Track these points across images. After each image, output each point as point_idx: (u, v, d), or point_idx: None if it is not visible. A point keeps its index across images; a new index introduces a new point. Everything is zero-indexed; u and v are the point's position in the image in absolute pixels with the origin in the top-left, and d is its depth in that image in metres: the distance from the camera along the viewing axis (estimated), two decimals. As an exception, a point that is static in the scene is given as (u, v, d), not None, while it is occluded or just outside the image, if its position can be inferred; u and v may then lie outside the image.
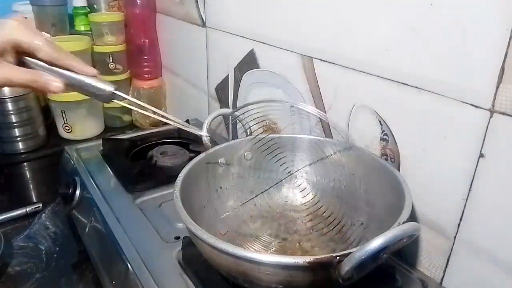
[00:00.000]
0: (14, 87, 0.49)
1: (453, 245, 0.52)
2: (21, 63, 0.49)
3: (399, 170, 0.56)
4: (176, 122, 0.57)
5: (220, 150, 0.61)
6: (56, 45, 0.51)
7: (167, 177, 0.73)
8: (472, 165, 0.47)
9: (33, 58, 0.49)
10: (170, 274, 0.53)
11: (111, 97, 0.52)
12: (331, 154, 0.62)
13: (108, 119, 1.18)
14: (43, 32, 0.51)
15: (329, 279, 0.39)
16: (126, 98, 0.54)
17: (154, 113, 0.58)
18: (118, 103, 0.54)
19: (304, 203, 0.64)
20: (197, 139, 0.86)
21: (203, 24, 0.91)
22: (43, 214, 0.79)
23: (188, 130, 0.57)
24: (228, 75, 0.88)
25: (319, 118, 0.67)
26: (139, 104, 0.58)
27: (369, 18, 0.55)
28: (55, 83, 0.50)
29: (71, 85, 0.51)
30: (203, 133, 0.58)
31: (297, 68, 0.68)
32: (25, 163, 1.01)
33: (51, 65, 0.50)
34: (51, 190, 0.86)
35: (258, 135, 0.65)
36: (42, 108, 1.09)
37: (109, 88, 0.52)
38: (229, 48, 0.85)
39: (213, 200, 0.60)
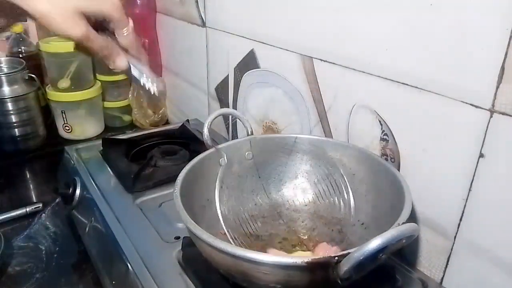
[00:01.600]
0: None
1: (453, 245, 0.52)
2: (95, 29, 0.52)
3: (399, 170, 0.56)
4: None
5: (220, 150, 0.61)
6: (135, 36, 0.55)
7: (167, 177, 0.73)
8: (472, 165, 0.47)
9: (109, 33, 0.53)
10: (170, 274, 0.53)
11: (153, 97, 0.59)
12: (331, 154, 0.62)
13: (108, 119, 1.19)
14: (130, 19, 0.55)
15: (328, 279, 0.39)
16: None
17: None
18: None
19: (305, 203, 0.64)
20: (197, 139, 0.86)
21: (203, 24, 0.91)
22: (43, 214, 0.79)
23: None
24: (228, 75, 0.88)
25: (319, 118, 0.67)
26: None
27: (369, 18, 0.55)
28: (122, 58, 0.54)
29: (128, 72, 0.55)
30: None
31: (297, 68, 0.68)
32: (25, 163, 1.01)
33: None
34: (51, 190, 0.86)
35: (258, 135, 0.65)
36: (42, 108, 1.09)
37: (154, 90, 0.57)
38: (229, 48, 0.85)
39: (213, 200, 0.60)
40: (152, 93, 0.57)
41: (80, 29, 0.49)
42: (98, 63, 1.11)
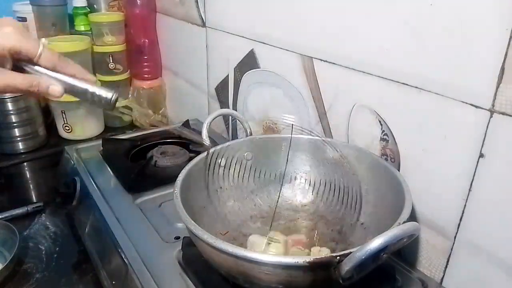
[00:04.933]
0: (13, 93, 0.49)
1: (453, 245, 0.52)
2: (18, 69, 0.49)
3: (399, 170, 0.56)
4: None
5: (220, 150, 0.61)
6: (54, 51, 0.51)
7: (167, 177, 0.73)
8: (472, 165, 0.47)
9: (31, 64, 0.49)
10: (170, 274, 0.53)
11: (114, 104, 0.52)
12: (331, 154, 0.62)
13: (108, 119, 1.18)
14: (42, 38, 0.51)
15: (329, 279, 0.39)
16: (126, 104, 0.53)
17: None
18: (118, 109, 0.53)
19: (304, 203, 0.64)
20: (197, 139, 0.86)
21: (203, 24, 0.91)
22: (43, 214, 0.79)
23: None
24: (228, 75, 0.88)
25: (319, 118, 0.67)
26: (140, 108, 0.58)
27: (369, 18, 0.55)
28: (55, 87, 0.50)
29: (71, 91, 0.51)
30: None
31: (297, 68, 0.68)
32: (25, 163, 1.01)
33: (51, 72, 0.50)
34: (51, 190, 0.86)
35: (258, 135, 0.65)
36: (42, 108, 1.09)
37: (107, 94, 0.51)
38: (229, 48, 0.85)
39: (213, 200, 0.60)
40: (106, 101, 0.51)
41: None
42: (98, 63, 1.11)
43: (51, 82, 0.50)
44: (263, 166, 0.65)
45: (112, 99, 0.51)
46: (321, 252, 0.54)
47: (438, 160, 0.51)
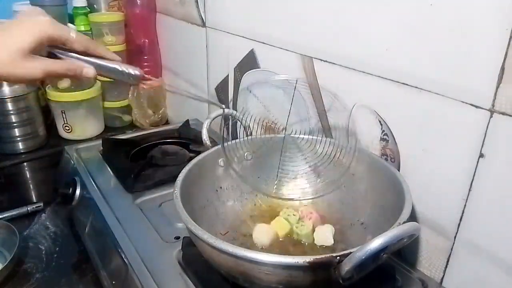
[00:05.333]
0: (51, 77, 0.54)
1: (453, 245, 0.52)
2: (51, 55, 0.53)
3: (399, 170, 0.56)
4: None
5: (220, 150, 0.61)
6: (85, 36, 0.55)
7: (167, 177, 0.73)
8: (472, 165, 0.47)
9: (64, 49, 0.54)
10: (170, 274, 0.53)
11: (139, 80, 0.58)
12: (331, 154, 0.62)
13: (108, 119, 1.18)
14: (69, 24, 0.56)
15: (329, 279, 0.39)
16: (151, 79, 0.59)
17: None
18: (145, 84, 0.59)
19: (304, 203, 0.64)
20: (197, 139, 0.86)
21: (203, 24, 0.91)
22: (43, 214, 0.79)
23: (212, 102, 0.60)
24: (228, 75, 0.88)
25: (319, 118, 0.67)
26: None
27: (369, 18, 0.55)
28: (88, 69, 0.55)
29: (102, 71, 0.56)
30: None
31: (297, 68, 0.68)
32: (25, 163, 1.01)
33: (82, 55, 0.55)
34: (51, 190, 0.86)
35: (258, 135, 0.65)
36: (42, 108, 1.09)
37: (137, 71, 0.57)
38: (229, 48, 0.85)
39: (213, 200, 0.60)
40: (134, 76, 0.57)
41: (37, 69, 0.50)
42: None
43: (84, 65, 0.54)
44: (263, 166, 0.65)
45: (140, 75, 0.57)
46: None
47: (438, 160, 0.51)
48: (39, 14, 0.52)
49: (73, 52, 0.54)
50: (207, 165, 0.60)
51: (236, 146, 0.63)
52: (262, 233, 0.56)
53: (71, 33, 0.53)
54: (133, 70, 0.57)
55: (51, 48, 0.53)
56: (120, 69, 0.57)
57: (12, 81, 0.50)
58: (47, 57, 0.53)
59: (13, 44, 0.48)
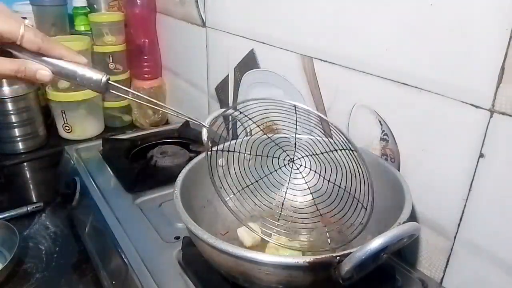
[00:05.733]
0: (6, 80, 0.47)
1: (453, 245, 0.52)
2: (5, 52, 0.46)
3: (399, 170, 0.56)
4: (176, 112, 0.53)
5: (220, 150, 0.61)
6: (41, 33, 0.48)
7: (167, 177, 0.73)
8: (472, 165, 0.47)
9: (15, 47, 0.46)
10: (170, 274, 0.53)
11: (104, 86, 0.48)
12: (331, 154, 0.62)
13: (108, 119, 1.18)
14: (26, 19, 0.47)
15: (329, 279, 0.39)
16: (119, 87, 0.50)
17: (150, 102, 0.54)
18: (112, 92, 0.50)
19: (304, 203, 0.64)
20: (197, 139, 0.86)
21: (203, 24, 0.91)
22: (43, 214, 0.79)
23: (191, 120, 0.53)
24: (228, 75, 0.88)
25: (319, 118, 0.67)
26: (135, 94, 0.54)
27: (369, 18, 0.55)
28: (43, 72, 0.47)
29: (60, 74, 0.48)
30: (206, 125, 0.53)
31: (297, 68, 0.68)
32: (25, 163, 1.01)
33: (38, 54, 0.47)
34: (51, 190, 0.86)
35: (258, 135, 0.65)
36: (42, 108, 1.09)
37: (100, 76, 0.48)
38: (229, 48, 0.85)
39: (213, 200, 0.60)
40: (96, 83, 0.48)
41: None
42: (98, 63, 1.11)
43: (38, 66, 0.47)
44: (263, 166, 0.64)
45: (102, 81, 0.48)
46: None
47: (438, 160, 0.51)
48: None
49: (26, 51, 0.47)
50: (207, 165, 0.60)
51: (236, 146, 0.63)
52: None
53: (18, 29, 0.45)
54: (96, 76, 0.48)
55: (4, 46, 0.46)
56: (79, 73, 0.47)
57: None
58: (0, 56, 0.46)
59: None
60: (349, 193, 0.59)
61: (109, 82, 0.48)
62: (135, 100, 0.57)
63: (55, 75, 0.48)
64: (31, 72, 0.47)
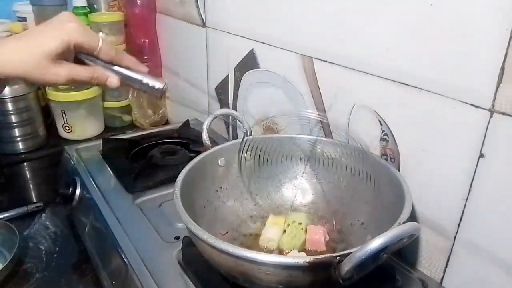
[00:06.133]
0: (75, 84, 0.54)
1: (453, 245, 0.52)
2: (78, 60, 0.53)
3: (399, 170, 0.56)
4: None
5: (220, 150, 0.61)
6: (112, 44, 0.55)
7: (167, 177, 0.73)
8: (472, 165, 0.47)
9: (90, 57, 0.54)
10: (170, 274, 0.53)
11: (162, 93, 0.57)
12: (331, 154, 0.62)
13: (108, 119, 1.18)
14: (100, 33, 0.55)
15: (329, 279, 0.39)
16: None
17: None
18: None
19: (304, 203, 0.64)
20: (197, 139, 0.86)
21: (203, 24, 0.91)
22: (43, 214, 0.79)
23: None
24: (228, 75, 0.88)
25: (319, 118, 0.67)
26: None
27: (369, 18, 0.55)
28: (112, 79, 0.55)
29: (125, 82, 0.56)
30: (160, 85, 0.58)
31: (297, 68, 0.68)
32: (25, 163, 1.01)
33: (108, 63, 0.55)
34: (51, 190, 0.86)
35: (258, 135, 0.65)
36: (42, 108, 1.09)
37: (158, 85, 0.56)
38: (229, 48, 0.85)
39: (213, 200, 0.60)
40: (157, 89, 0.56)
41: (61, 74, 0.50)
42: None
43: (108, 74, 0.54)
44: (262, 167, 0.65)
45: (163, 88, 0.56)
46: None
47: (438, 160, 0.51)
48: (70, 19, 0.52)
49: (100, 60, 0.54)
50: (207, 165, 0.60)
51: (235, 147, 0.63)
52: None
53: (99, 41, 0.53)
54: (157, 84, 0.56)
55: (78, 55, 0.53)
56: (144, 82, 0.56)
57: (36, 83, 0.51)
58: (74, 62, 0.53)
59: (40, 48, 0.49)
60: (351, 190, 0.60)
61: (166, 88, 0.57)
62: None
63: (123, 81, 0.56)
64: (102, 79, 0.54)
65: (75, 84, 0.54)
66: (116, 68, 0.55)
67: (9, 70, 0.48)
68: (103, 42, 0.53)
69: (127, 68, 0.56)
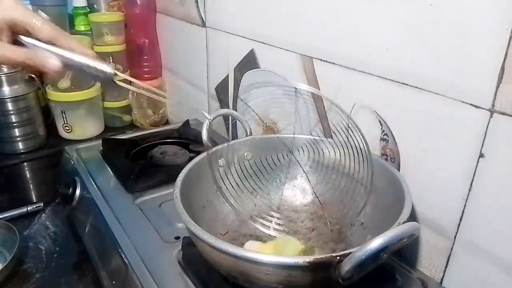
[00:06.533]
0: (9, 66, 0.49)
1: (453, 245, 0.52)
2: (16, 42, 0.48)
3: (399, 170, 0.56)
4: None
5: (220, 150, 0.61)
6: (54, 25, 0.50)
7: (167, 177, 0.73)
8: (472, 165, 0.47)
9: (29, 37, 0.49)
10: (170, 274, 0.53)
11: (111, 77, 0.52)
12: (331, 154, 0.62)
13: (108, 119, 1.18)
14: (40, 11, 0.50)
15: (329, 279, 0.39)
16: (125, 77, 0.54)
17: (151, 91, 0.58)
18: (118, 83, 0.54)
19: (304, 203, 0.64)
20: (197, 139, 0.86)
21: (203, 24, 0.91)
22: (43, 214, 0.79)
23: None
24: (228, 75, 0.88)
25: (319, 118, 0.67)
26: (138, 85, 0.58)
27: (369, 18, 0.55)
28: (52, 61, 0.49)
29: (69, 65, 0.51)
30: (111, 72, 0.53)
31: (297, 68, 0.68)
32: (25, 163, 1.01)
33: (48, 45, 0.49)
34: (51, 190, 0.86)
35: (258, 135, 0.65)
36: (42, 108, 1.09)
37: (108, 69, 0.52)
38: (229, 48, 0.85)
39: (213, 200, 0.60)
40: (105, 74, 0.52)
41: None
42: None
43: (48, 55, 0.49)
44: (263, 166, 0.64)
45: (113, 72, 0.52)
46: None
47: (438, 160, 0.51)
48: None
49: (40, 41, 0.49)
50: (207, 166, 0.60)
51: (235, 147, 0.63)
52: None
53: (37, 20, 0.48)
54: (106, 68, 0.51)
55: (15, 35, 0.48)
56: (91, 65, 0.51)
57: None
58: (11, 43, 0.48)
59: None
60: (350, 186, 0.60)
61: (116, 73, 0.52)
62: (138, 90, 0.60)
63: (65, 65, 0.50)
64: (39, 60, 0.48)
65: (8, 65, 0.50)
66: (58, 50, 0.50)
67: None
68: (43, 21, 0.49)
69: (71, 51, 0.51)
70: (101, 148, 0.87)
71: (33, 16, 0.48)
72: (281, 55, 0.71)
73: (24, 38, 0.49)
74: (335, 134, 0.64)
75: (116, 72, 0.52)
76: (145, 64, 1.14)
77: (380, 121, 0.57)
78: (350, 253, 0.38)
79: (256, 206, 0.64)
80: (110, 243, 0.61)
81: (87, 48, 0.52)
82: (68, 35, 0.51)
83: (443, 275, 0.54)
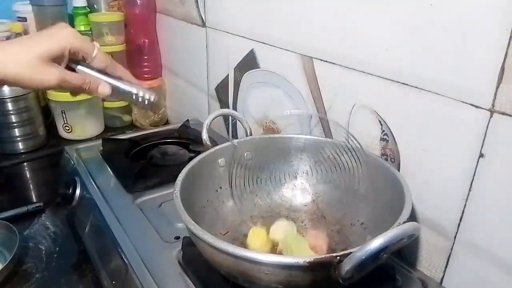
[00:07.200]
0: (65, 89, 0.55)
1: (453, 245, 0.52)
2: (70, 69, 0.54)
3: (399, 170, 0.56)
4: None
5: (220, 150, 0.61)
6: (106, 54, 0.56)
7: (167, 177, 0.73)
8: (472, 165, 0.47)
9: (84, 63, 0.55)
10: (170, 274, 0.53)
11: (153, 106, 0.59)
12: (331, 154, 0.62)
13: (108, 119, 1.18)
14: (94, 42, 0.57)
15: (329, 279, 0.39)
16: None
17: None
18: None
19: (304, 203, 0.64)
20: (197, 139, 0.86)
21: (203, 24, 0.91)
22: (43, 214, 0.79)
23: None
24: (228, 75, 0.88)
25: (319, 118, 0.67)
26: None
27: (369, 18, 0.55)
28: (104, 87, 0.56)
29: (116, 92, 0.57)
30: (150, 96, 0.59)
31: (297, 68, 0.68)
32: (25, 163, 1.01)
33: (100, 73, 0.56)
34: (51, 190, 0.86)
35: (258, 135, 0.65)
36: (42, 108, 1.09)
37: (151, 97, 0.58)
38: (229, 48, 0.85)
39: (213, 200, 0.60)
40: (149, 102, 0.58)
41: (52, 76, 0.50)
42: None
43: (100, 82, 0.55)
44: (262, 167, 0.65)
45: (154, 101, 0.58)
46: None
47: (438, 160, 0.51)
48: (67, 26, 0.54)
49: (92, 68, 0.55)
50: (207, 165, 0.60)
51: (236, 146, 0.63)
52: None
53: (93, 49, 0.54)
54: (149, 96, 0.58)
55: (71, 63, 0.54)
56: (135, 93, 0.57)
57: (27, 84, 0.50)
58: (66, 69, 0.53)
59: (33, 48, 0.49)
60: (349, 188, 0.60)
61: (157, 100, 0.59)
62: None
63: (113, 91, 0.56)
64: (94, 86, 0.55)
65: (66, 89, 0.54)
66: (108, 78, 0.56)
67: (1, 69, 0.48)
68: (98, 50, 0.54)
69: (119, 78, 0.57)
70: (101, 148, 0.87)
71: (90, 46, 0.54)
72: (281, 55, 0.71)
73: (79, 66, 0.54)
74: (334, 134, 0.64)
75: (156, 100, 0.59)
76: (145, 64, 1.14)
77: (380, 121, 0.57)
78: (350, 253, 0.38)
79: (256, 206, 0.64)
80: (110, 243, 0.61)
81: (133, 77, 0.58)
82: (117, 64, 0.58)
83: (443, 275, 0.54)
